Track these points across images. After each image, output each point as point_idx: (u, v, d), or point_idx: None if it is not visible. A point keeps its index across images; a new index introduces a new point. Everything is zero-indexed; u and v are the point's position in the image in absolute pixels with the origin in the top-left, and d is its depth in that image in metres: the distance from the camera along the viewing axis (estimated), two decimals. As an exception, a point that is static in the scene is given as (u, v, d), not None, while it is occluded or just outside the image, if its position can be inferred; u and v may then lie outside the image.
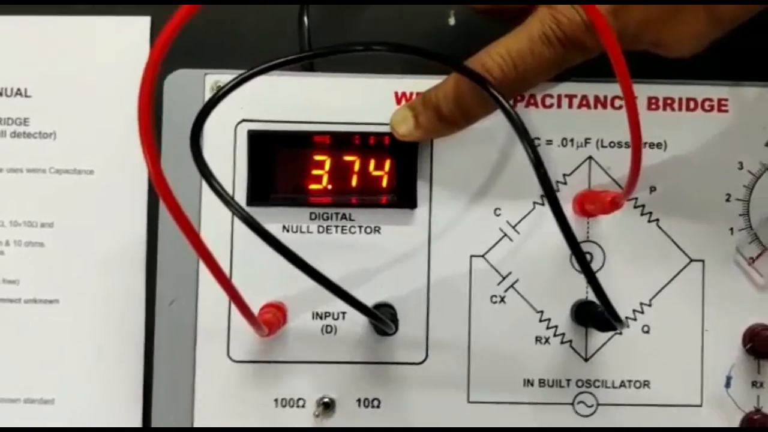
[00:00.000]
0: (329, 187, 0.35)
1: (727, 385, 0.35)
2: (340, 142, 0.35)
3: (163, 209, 0.34)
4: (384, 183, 0.35)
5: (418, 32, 0.43)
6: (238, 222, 0.34)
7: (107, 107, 0.41)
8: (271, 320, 0.31)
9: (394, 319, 0.33)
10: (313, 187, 0.35)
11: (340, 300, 0.28)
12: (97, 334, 0.40)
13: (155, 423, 0.34)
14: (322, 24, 0.41)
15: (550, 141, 0.35)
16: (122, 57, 0.41)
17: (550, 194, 0.27)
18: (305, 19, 0.38)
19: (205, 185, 0.33)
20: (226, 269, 0.34)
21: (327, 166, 0.35)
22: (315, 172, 0.35)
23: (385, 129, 0.34)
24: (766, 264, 0.35)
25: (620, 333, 0.34)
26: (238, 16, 0.43)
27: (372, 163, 0.35)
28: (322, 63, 0.39)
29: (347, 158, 0.35)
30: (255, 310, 0.32)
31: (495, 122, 0.35)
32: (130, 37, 0.42)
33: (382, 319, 0.30)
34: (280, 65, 0.27)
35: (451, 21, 0.43)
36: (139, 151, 0.23)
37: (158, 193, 0.24)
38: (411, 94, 0.35)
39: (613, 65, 0.24)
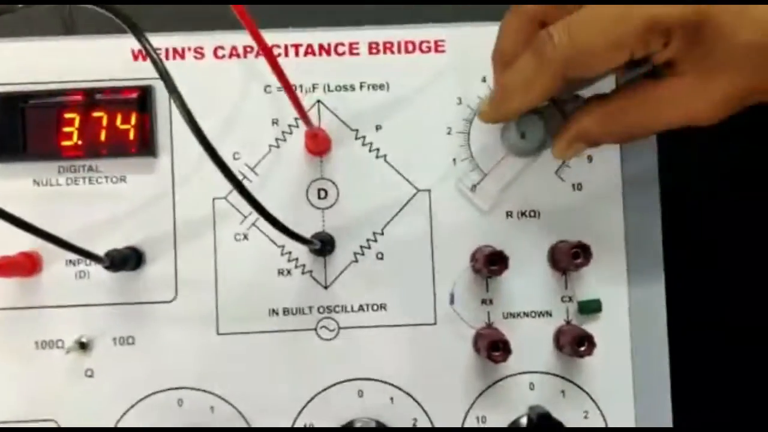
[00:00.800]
0: (79, 142, 0.37)
1: (451, 301, 0.37)
2: (89, 99, 0.37)
3: None
4: (131, 136, 0.37)
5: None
6: (-10, 179, 0.37)
7: None
8: (3, 263, 0.34)
9: (122, 258, 0.35)
10: (64, 143, 0.37)
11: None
12: None
13: None
14: None
15: (281, 87, 0.37)
16: None
17: (203, 141, 0.28)
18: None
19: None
20: (-20, 223, 0.37)
21: (76, 122, 0.37)
22: (65, 129, 0.37)
23: (126, 84, 0.37)
24: (486, 189, 0.38)
25: (318, 251, 0.37)
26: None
27: (119, 117, 0.37)
28: (87, 28, 0.42)
29: (96, 114, 0.37)
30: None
31: (227, 71, 0.38)
32: None
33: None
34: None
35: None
36: None
37: None
38: (147, 51, 0.37)
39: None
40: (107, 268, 0.35)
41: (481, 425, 0.37)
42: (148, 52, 0.28)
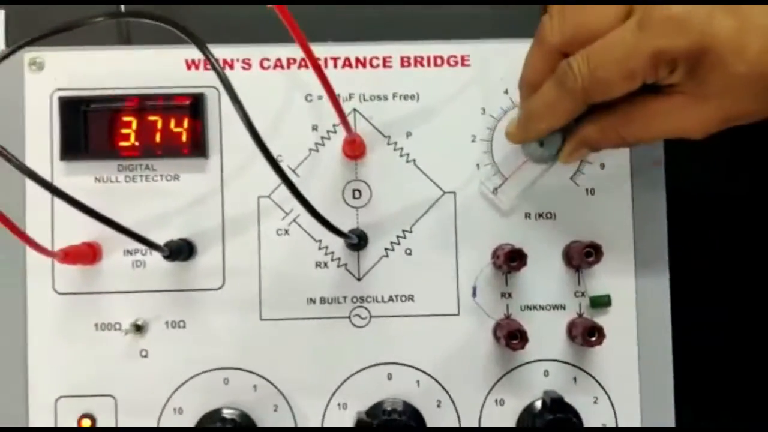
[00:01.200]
0: (136, 143, 0.41)
1: (474, 294, 0.41)
2: (145, 104, 0.41)
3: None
4: (183, 138, 0.41)
5: (237, 12, 0.49)
6: (57, 175, 0.41)
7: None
8: (70, 251, 0.38)
9: (178, 249, 0.39)
10: (122, 144, 0.41)
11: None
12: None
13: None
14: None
15: (321, 96, 0.41)
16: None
17: (260, 144, 0.32)
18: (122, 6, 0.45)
19: (27, 146, 0.39)
20: (48, 215, 0.40)
21: (134, 125, 0.41)
22: (123, 131, 0.41)
23: (180, 91, 0.41)
24: (507, 192, 0.41)
25: (354, 245, 0.40)
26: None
27: (172, 122, 0.41)
28: (140, 37, 0.46)
29: (151, 118, 0.41)
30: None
31: (272, 81, 0.41)
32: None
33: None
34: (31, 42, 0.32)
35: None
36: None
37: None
38: (199, 60, 0.41)
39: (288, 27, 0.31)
40: (166, 257, 0.38)
41: (500, 407, 0.41)
42: (213, 65, 0.32)
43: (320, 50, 0.41)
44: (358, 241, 0.39)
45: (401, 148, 0.41)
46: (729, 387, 0.47)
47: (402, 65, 0.41)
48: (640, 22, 0.31)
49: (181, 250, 0.39)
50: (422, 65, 0.41)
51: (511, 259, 0.39)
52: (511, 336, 0.39)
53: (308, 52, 0.32)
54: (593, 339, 0.39)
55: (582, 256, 0.39)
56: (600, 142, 0.37)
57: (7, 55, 0.32)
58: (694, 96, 0.32)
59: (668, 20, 0.30)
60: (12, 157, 0.31)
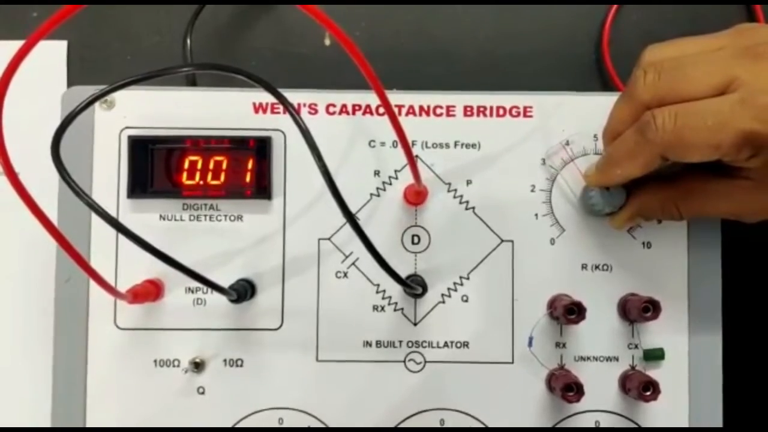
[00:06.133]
0: (201, 182, 0.42)
1: (530, 344, 0.41)
2: (211, 145, 0.42)
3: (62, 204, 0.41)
4: (247, 179, 0.42)
5: (296, 51, 0.50)
6: (123, 212, 0.42)
7: (28, 122, 0.47)
8: (138, 291, 0.38)
9: (245, 292, 0.39)
10: (187, 182, 0.42)
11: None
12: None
13: (55, 385, 0.41)
14: (209, 44, 0.49)
15: (384, 143, 0.42)
16: (39, 78, 0.48)
17: (334, 191, 0.33)
18: (188, 40, 0.46)
19: (94, 182, 0.40)
20: (112, 251, 0.41)
21: (199, 165, 0.42)
22: (189, 170, 0.42)
23: (247, 133, 0.41)
24: (565, 244, 0.42)
25: (419, 295, 0.41)
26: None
27: (237, 162, 0.42)
28: (204, 78, 0.46)
29: (217, 158, 0.42)
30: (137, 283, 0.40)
31: (337, 126, 0.42)
32: (47, 60, 0.49)
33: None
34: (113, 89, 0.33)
35: (327, 41, 0.50)
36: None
37: (17, 193, 0.30)
38: (267, 104, 0.42)
39: (369, 81, 0.31)
40: (233, 301, 0.39)
41: (552, 457, 0.41)
42: (292, 114, 0.32)
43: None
44: (421, 291, 0.39)
45: (461, 196, 0.42)
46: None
47: (465, 114, 0.42)
48: (743, 100, 0.31)
49: (246, 293, 0.39)
50: (485, 115, 0.42)
51: (569, 312, 0.39)
52: (567, 388, 0.39)
53: (384, 100, 0.32)
54: (648, 394, 0.40)
55: (639, 311, 0.40)
56: (656, 213, 0.39)
57: (105, 94, 0.32)
58: (761, 183, 0.33)
59: None
60: (83, 194, 0.31)
